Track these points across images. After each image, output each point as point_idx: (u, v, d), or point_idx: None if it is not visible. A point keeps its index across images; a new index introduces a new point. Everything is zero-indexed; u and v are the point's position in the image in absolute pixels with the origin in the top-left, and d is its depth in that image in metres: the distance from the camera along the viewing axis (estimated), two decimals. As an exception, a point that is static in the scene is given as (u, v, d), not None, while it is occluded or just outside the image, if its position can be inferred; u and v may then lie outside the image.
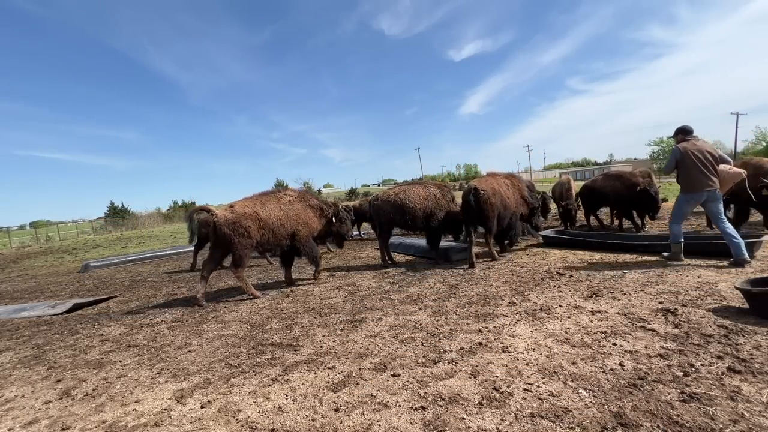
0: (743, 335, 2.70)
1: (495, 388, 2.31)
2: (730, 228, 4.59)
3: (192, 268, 8.70)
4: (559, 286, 4.32)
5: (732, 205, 6.80)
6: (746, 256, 4.44)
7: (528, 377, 2.41)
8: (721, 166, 4.76)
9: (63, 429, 2.38)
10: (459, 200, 6.43)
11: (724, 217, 4.70)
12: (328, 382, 2.61)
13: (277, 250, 5.58)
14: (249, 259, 5.27)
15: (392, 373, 2.64)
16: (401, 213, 6.41)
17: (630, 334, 2.89)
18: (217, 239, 5.02)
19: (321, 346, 3.27)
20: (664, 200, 7.62)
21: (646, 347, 2.66)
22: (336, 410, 2.26)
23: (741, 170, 4.87)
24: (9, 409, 2.74)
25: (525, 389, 2.27)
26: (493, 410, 2.10)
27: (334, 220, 5.93)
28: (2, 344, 4.38)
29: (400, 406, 2.23)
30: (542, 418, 1.99)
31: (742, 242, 4.50)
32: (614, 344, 2.75)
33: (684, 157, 4.78)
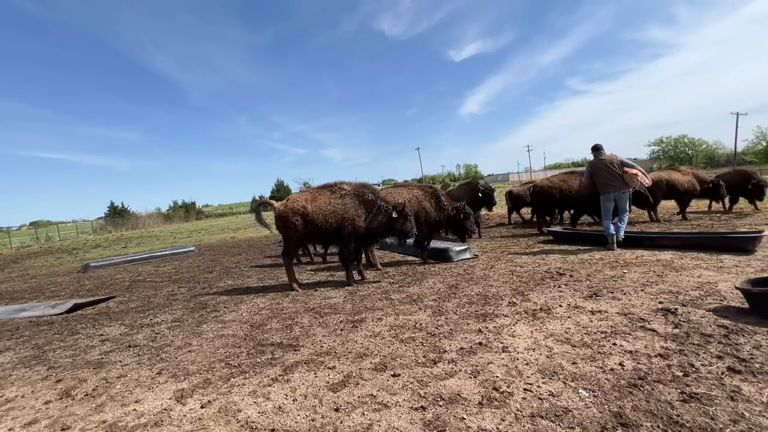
0: (743, 335, 2.70)
1: (495, 388, 2.31)
2: (618, 222, 6.24)
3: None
4: (559, 286, 4.32)
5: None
6: (611, 245, 6.10)
7: (528, 377, 2.41)
8: (626, 169, 6.16)
9: (63, 429, 2.38)
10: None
11: (627, 212, 6.29)
12: (328, 382, 2.61)
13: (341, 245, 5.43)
14: (298, 249, 5.85)
15: (392, 373, 2.64)
16: None
17: (630, 334, 2.89)
18: (276, 229, 5.62)
19: (321, 346, 3.27)
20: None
21: (646, 347, 2.66)
22: (336, 410, 2.26)
23: (635, 172, 6.12)
24: (9, 409, 2.74)
25: (525, 389, 2.27)
26: (493, 410, 2.10)
27: (394, 216, 5.38)
28: (2, 344, 4.38)
29: (400, 406, 2.23)
30: (542, 418, 1.99)
31: (612, 234, 6.09)
32: (614, 344, 2.75)
33: (594, 169, 6.44)
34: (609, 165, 6.21)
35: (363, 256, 6.03)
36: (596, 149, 6.47)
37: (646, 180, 6.19)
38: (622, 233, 6.13)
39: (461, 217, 6.48)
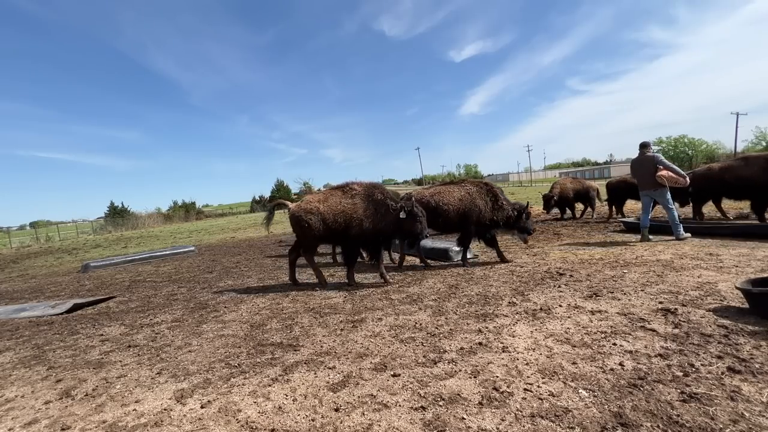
0: (743, 335, 2.70)
1: (495, 388, 2.31)
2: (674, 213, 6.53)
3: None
4: (559, 286, 4.32)
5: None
6: (645, 237, 6.56)
7: (528, 377, 2.41)
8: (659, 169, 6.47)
9: (63, 429, 2.38)
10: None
11: (670, 209, 6.48)
12: (328, 382, 2.61)
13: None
14: (316, 247, 5.93)
15: (392, 373, 2.64)
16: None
17: (630, 334, 2.89)
18: (292, 227, 5.69)
19: (321, 346, 3.27)
20: None
21: (646, 347, 2.66)
22: (336, 410, 2.26)
23: (664, 173, 6.37)
24: (9, 409, 2.74)
25: (525, 389, 2.27)
26: (493, 410, 2.10)
27: (402, 216, 5.21)
28: (2, 344, 4.38)
29: (400, 406, 2.23)
30: (542, 418, 1.99)
31: (645, 227, 6.65)
32: (614, 344, 2.75)
33: (633, 165, 6.91)
34: (645, 163, 6.57)
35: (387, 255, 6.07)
36: (642, 146, 6.74)
37: (681, 180, 6.34)
38: (678, 232, 6.37)
39: (524, 217, 6.18)
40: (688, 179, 6.44)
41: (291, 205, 5.66)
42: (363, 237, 5.35)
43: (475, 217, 6.02)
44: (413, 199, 5.49)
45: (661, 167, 6.43)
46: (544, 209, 11.42)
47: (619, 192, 9.87)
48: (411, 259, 7.14)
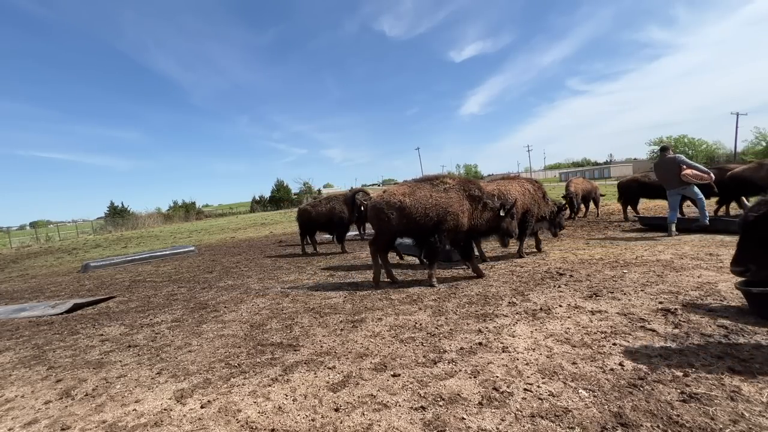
0: (743, 335, 2.70)
1: (495, 388, 2.31)
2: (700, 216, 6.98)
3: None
4: (559, 286, 4.32)
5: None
6: (670, 232, 6.92)
7: (528, 377, 2.41)
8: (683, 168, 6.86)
9: (63, 429, 2.38)
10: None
11: (700, 199, 6.88)
12: (328, 382, 2.61)
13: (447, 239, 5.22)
14: (392, 243, 5.65)
15: (392, 373, 2.64)
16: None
17: (630, 334, 2.89)
18: (369, 220, 5.46)
19: (321, 346, 3.27)
20: None
21: (646, 347, 2.66)
22: (336, 410, 2.26)
23: (688, 172, 6.68)
24: (9, 409, 2.74)
25: (525, 389, 2.27)
26: (493, 410, 2.10)
27: (501, 214, 5.19)
28: (2, 344, 4.38)
29: (400, 406, 2.23)
30: (542, 418, 1.99)
31: (672, 222, 6.94)
32: (614, 344, 2.75)
33: (656, 167, 7.35)
34: (668, 165, 7.01)
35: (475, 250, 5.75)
36: (662, 149, 7.31)
37: (705, 177, 6.68)
38: (705, 219, 6.86)
39: (561, 214, 6.44)
40: (712, 175, 6.76)
41: (372, 195, 5.49)
42: (456, 234, 5.10)
43: (535, 212, 6.19)
44: (507, 199, 5.51)
45: (685, 166, 6.79)
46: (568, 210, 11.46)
47: (631, 191, 9.94)
48: (410, 259, 7.13)
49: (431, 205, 5.02)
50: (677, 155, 6.95)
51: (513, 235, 5.39)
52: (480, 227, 5.22)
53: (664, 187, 7.23)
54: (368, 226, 12.32)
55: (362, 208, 9.08)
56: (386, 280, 5.47)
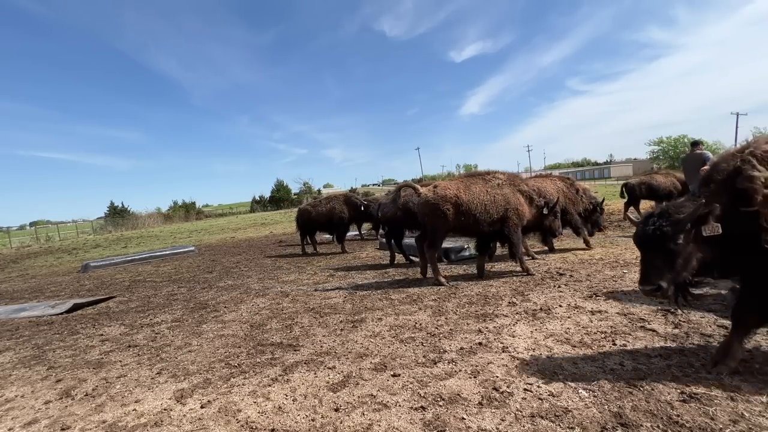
0: (743, 335, 2.70)
1: (495, 388, 2.31)
2: None
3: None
4: (559, 286, 4.32)
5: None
6: None
7: (528, 377, 2.41)
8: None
9: (63, 429, 2.38)
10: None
11: None
12: (328, 382, 2.61)
13: (478, 235, 5.15)
14: (443, 240, 5.36)
15: (392, 373, 2.64)
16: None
17: (630, 334, 2.89)
18: (420, 217, 5.18)
19: (321, 346, 3.27)
20: None
21: (646, 347, 2.66)
22: (336, 410, 2.26)
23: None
24: (9, 409, 2.74)
25: (525, 389, 2.27)
26: (493, 410, 2.10)
27: (546, 212, 5.15)
28: (2, 344, 4.38)
29: (400, 406, 2.23)
30: (542, 418, 1.99)
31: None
32: (614, 344, 2.75)
33: (683, 162, 6.95)
34: (694, 160, 6.88)
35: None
36: (693, 144, 7.09)
37: None
38: None
39: (598, 211, 6.30)
40: None
41: (423, 190, 5.23)
42: (509, 229, 4.97)
43: (571, 211, 6.15)
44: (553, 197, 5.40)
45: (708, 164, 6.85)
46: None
47: (638, 194, 9.99)
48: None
49: (489, 201, 4.88)
50: (704, 152, 6.75)
51: (556, 234, 5.30)
52: (528, 225, 5.14)
53: (687, 182, 7.20)
54: (368, 226, 12.30)
55: (362, 208, 9.09)
56: (419, 276, 5.45)
